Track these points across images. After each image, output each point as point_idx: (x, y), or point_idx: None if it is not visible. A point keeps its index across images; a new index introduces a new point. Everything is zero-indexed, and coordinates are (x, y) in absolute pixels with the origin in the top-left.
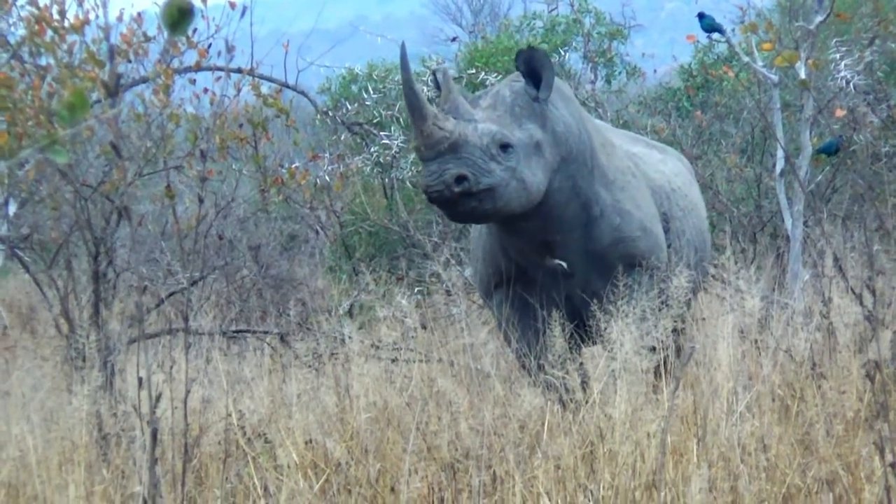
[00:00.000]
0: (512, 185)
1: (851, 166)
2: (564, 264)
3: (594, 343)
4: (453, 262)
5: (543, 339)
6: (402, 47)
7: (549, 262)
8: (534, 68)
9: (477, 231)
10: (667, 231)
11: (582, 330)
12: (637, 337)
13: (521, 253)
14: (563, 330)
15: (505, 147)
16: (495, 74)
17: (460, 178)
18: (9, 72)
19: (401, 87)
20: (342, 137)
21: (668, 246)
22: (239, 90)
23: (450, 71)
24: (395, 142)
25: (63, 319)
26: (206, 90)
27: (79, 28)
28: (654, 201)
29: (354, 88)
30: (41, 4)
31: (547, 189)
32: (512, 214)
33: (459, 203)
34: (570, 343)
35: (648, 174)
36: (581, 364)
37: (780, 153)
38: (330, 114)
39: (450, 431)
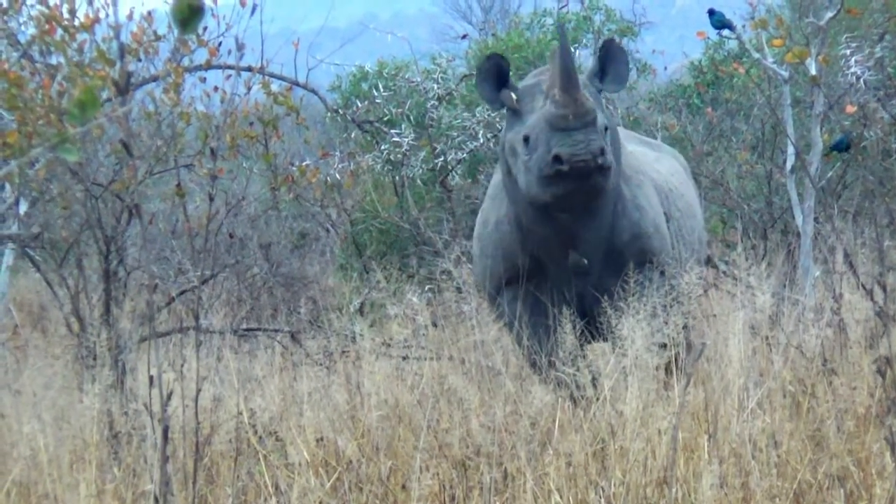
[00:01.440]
0: (614, 167)
1: (862, 162)
2: (586, 261)
3: (605, 340)
4: (464, 259)
5: (554, 336)
6: (561, 27)
7: (572, 257)
8: (610, 59)
9: (488, 227)
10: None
11: (592, 327)
12: (648, 334)
13: (544, 247)
14: (574, 327)
15: (605, 129)
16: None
17: (602, 151)
18: (19, 70)
19: (414, 84)
20: (352, 135)
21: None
22: (249, 88)
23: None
24: (406, 139)
25: (74, 318)
26: (216, 88)
27: (89, 26)
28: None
29: (364, 86)
30: (51, 3)
31: None
32: (595, 203)
33: (593, 175)
34: (580, 340)
35: (648, 173)
36: (592, 361)
37: (790, 150)
38: (340, 112)
39: (461, 429)
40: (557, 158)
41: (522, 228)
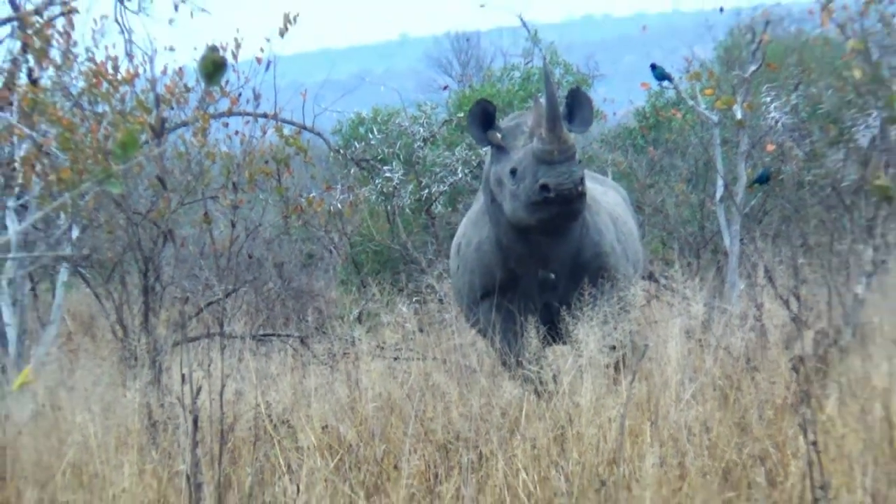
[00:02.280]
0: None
1: (780, 193)
2: (553, 276)
3: (564, 343)
4: (445, 275)
5: (522, 340)
6: (546, 64)
7: (542, 273)
8: (577, 104)
9: (470, 247)
10: None
11: (554, 332)
12: (600, 337)
13: (520, 262)
14: (539, 332)
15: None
16: None
17: (582, 180)
18: (71, 117)
19: (403, 128)
20: (351, 171)
21: None
22: (265, 132)
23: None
24: (396, 175)
25: (118, 326)
26: (237, 132)
27: (129, 80)
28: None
29: (362, 130)
30: (98, 60)
31: None
32: (575, 223)
33: (575, 201)
34: (544, 343)
35: (602, 203)
36: (553, 360)
37: (719, 182)
38: (341, 151)
39: (443, 418)
40: (545, 187)
41: (502, 248)
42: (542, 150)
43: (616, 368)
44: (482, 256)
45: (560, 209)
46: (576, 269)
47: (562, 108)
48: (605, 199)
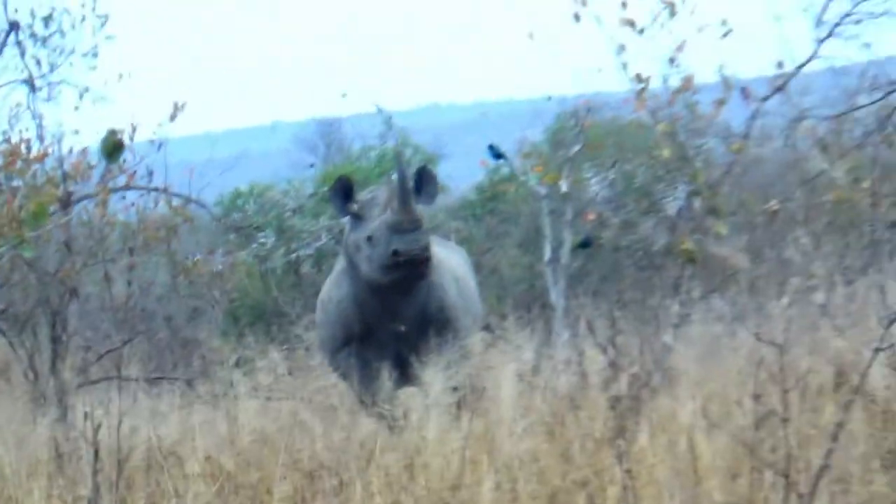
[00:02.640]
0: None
1: (599, 256)
2: (404, 328)
3: (413, 385)
4: (311, 327)
5: (376, 382)
6: (397, 147)
7: (393, 326)
8: (424, 181)
9: (332, 303)
10: None
11: (404, 376)
12: (444, 380)
13: (375, 316)
14: (391, 376)
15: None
16: None
17: (428, 246)
18: None
19: (275, 200)
20: (231, 237)
21: None
22: (156, 203)
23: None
24: (269, 240)
25: (30, 370)
26: (133, 204)
27: (40, 159)
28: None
29: (240, 202)
30: (13, 142)
31: None
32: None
33: (421, 265)
34: (395, 385)
35: (446, 265)
36: (404, 400)
37: (547, 246)
38: (222, 220)
39: (309, 449)
40: (396, 252)
41: (359, 304)
42: (394, 220)
43: (458, 406)
44: (342, 311)
45: (409, 271)
46: (423, 322)
47: (411, 184)
48: (449, 261)
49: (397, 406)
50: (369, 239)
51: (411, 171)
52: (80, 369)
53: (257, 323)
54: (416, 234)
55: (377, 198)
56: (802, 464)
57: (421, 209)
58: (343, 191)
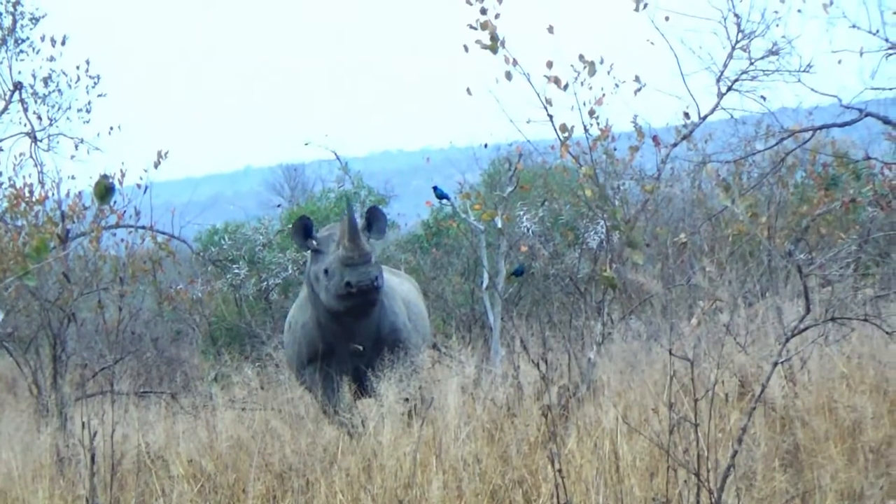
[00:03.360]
0: (385, 287)
1: (531, 283)
2: (361, 347)
3: (370, 396)
4: (280, 346)
5: (337, 394)
6: (348, 200)
7: (352, 346)
8: (373, 219)
9: (297, 325)
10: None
11: (363, 388)
12: (397, 392)
13: (335, 337)
14: (350, 389)
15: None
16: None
17: (377, 277)
18: None
19: (247, 236)
20: (209, 269)
21: None
22: (143, 240)
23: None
24: (242, 271)
25: (34, 386)
26: (122, 240)
27: (41, 201)
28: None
29: (216, 238)
30: (17, 187)
31: None
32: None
33: (371, 294)
34: (354, 397)
35: (398, 291)
36: (361, 410)
37: (485, 275)
38: (201, 254)
39: (279, 453)
40: (348, 283)
41: (321, 327)
42: (345, 256)
43: (409, 415)
44: (306, 333)
45: (360, 300)
46: (378, 342)
47: (362, 222)
48: (401, 287)
49: (356, 415)
50: (326, 271)
51: (363, 211)
52: (77, 384)
53: (233, 343)
54: (366, 268)
55: (333, 235)
56: (711, 464)
57: (370, 244)
58: (303, 229)
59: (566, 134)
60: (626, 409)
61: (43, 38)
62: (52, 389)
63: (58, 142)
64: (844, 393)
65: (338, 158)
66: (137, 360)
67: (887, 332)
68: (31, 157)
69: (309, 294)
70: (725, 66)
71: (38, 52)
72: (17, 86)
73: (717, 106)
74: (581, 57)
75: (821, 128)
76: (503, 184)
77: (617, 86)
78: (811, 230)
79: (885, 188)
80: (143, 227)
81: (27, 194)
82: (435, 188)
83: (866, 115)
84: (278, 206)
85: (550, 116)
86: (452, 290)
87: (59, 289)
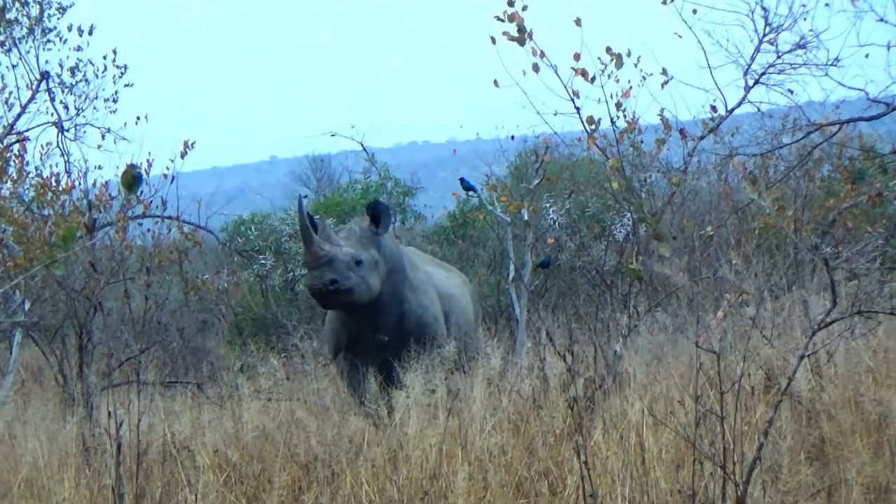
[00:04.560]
0: (362, 287)
1: (557, 275)
2: (386, 338)
3: (397, 387)
4: (306, 337)
5: (364, 384)
6: (300, 201)
7: (377, 337)
8: (377, 214)
9: (330, 318)
10: (447, 320)
11: (389, 379)
12: (423, 383)
13: (356, 329)
14: (377, 379)
15: (358, 262)
16: (330, 218)
17: (333, 281)
18: (24, 219)
19: (273, 226)
20: (235, 259)
21: (447, 329)
22: (169, 230)
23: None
24: (268, 262)
25: (60, 375)
26: (149, 230)
27: (68, 191)
28: (439, 302)
29: (242, 228)
30: (44, 176)
31: (379, 290)
32: (359, 306)
33: (330, 297)
34: (381, 387)
35: (437, 285)
36: (388, 400)
37: (511, 267)
38: (227, 244)
39: (305, 444)
40: (307, 287)
41: (341, 320)
42: (305, 260)
43: (436, 406)
44: (334, 326)
45: (322, 301)
46: (403, 335)
47: (366, 220)
48: (447, 281)
49: (382, 406)
50: None
51: (390, 202)
52: (103, 374)
53: (258, 334)
54: (319, 271)
55: (338, 233)
56: (737, 456)
57: (327, 249)
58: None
59: (593, 126)
60: (652, 402)
61: (70, 28)
62: (78, 379)
63: (84, 131)
64: (870, 386)
65: (364, 150)
66: (163, 350)
67: None
68: (57, 146)
69: None
70: (752, 59)
71: (65, 42)
72: (45, 75)
73: (743, 99)
74: (608, 49)
75: (848, 121)
76: (530, 176)
77: (644, 78)
78: (838, 224)
79: None
80: (170, 217)
81: (54, 184)
82: (462, 179)
83: (893, 109)
84: (304, 197)
85: (577, 109)
86: (478, 281)
87: (85, 278)
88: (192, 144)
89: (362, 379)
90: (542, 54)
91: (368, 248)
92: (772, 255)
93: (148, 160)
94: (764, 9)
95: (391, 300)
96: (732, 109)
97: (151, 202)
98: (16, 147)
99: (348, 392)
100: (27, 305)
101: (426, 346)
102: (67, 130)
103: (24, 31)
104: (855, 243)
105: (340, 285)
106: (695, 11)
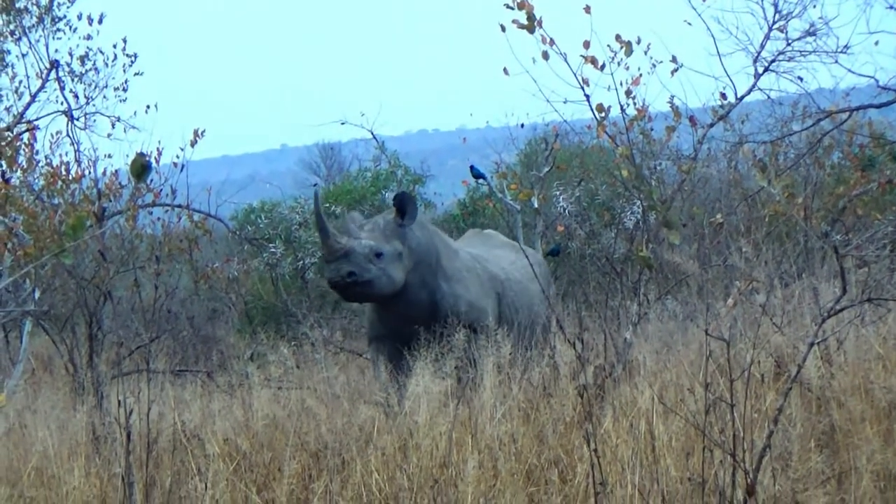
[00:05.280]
0: (382, 280)
1: (567, 262)
2: (420, 327)
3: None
4: (316, 325)
5: (388, 368)
6: (316, 194)
7: (414, 326)
8: (403, 205)
9: (367, 307)
10: (500, 302)
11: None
12: (432, 371)
13: (390, 318)
14: (388, 368)
15: (378, 255)
16: (340, 206)
17: (350, 273)
18: (34, 208)
19: (283, 215)
20: (245, 248)
21: (500, 313)
22: (179, 218)
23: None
24: (278, 250)
25: (70, 364)
26: (158, 219)
27: (78, 180)
28: (490, 285)
29: (252, 217)
30: (54, 165)
31: (405, 282)
32: (382, 298)
33: (349, 289)
34: (403, 374)
35: (487, 268)
36: (400, 387)
37: None
38: (237, 233)
39: (315, 432)
40: (327, 280)
41: (375, 309)
42: (322, 253)
43: (446, 394)
44: (370, 314)
45: (340, 294)
46: (437, 323)
47: (393, 212)
48: (503, 263)
49: (392, 394)
50: None
51: (401, 189)
52: (113, 363)
53: (269, 322)
54: (337, 264)
55: (359, 226)
56: (747, 444)
57: (344, 242)
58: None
59: (603, 114)
60: (661, 390)
61: (80, 17)
62: (87, 368)
63: (94, 120)
64: (880, 374)
65: (374, 138)
66: (173, 338)
67: None
68: (67, 135)
69: None
70: (762, 46)
71: (74, 31)
72: (54, 64)
73: (753, 86)
74: (618, 37)
75: (858, 109)
76: (540, 164)
77: (654, 66)
78: (847, 211)
79: None
80: (180, 206)
81: (64, 172)
82: (472, 167)
83: None
84: (314, 185)
85: (587, 96)
86: None
87: (95, 267)
88: (202, 133)
89: (389, 366)
90: (552, 42)
91: (392, 240)
92: (782, 243)
93: (158, 149)
94: None
95: (421, 290)
96: (742, 97)
97: (161, 191)
98: (26, 136)
99: (375, 376)
100: (37, 294)
101: (467, 333)
102: (77, 119)
103: (34, 19)
104: (865, 231)
105: (359, 277)
106: None
